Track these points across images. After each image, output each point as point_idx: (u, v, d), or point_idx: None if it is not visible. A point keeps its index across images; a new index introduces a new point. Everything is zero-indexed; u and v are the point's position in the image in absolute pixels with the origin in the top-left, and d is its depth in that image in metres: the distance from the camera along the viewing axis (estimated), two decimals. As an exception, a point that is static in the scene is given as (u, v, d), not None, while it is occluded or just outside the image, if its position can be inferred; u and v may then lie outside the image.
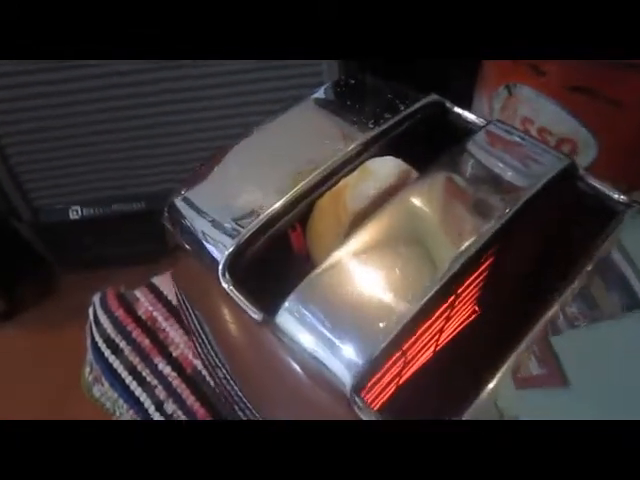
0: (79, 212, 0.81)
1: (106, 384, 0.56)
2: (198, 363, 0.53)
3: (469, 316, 0.38)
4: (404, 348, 0.30)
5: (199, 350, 0.46)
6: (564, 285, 0.32)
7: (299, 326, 0.29)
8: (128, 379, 0.55)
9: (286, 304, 0.30)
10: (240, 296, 0.32)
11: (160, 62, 0.72)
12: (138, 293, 0.60)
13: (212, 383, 0.51)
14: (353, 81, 0.43)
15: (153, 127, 0.78)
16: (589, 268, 0.32)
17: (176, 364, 0.54)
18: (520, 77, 0.56)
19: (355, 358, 0.28)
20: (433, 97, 0.41)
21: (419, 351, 0.33)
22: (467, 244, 0.31)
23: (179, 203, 0.36)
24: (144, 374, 0.54)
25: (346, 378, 0.28)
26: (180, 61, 0.72)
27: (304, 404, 0.33)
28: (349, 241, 0.31)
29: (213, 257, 0.33)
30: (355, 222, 0.33)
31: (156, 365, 0.54)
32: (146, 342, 0.55)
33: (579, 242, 0.34)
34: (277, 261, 0.35)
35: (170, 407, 0.52)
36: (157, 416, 0.52)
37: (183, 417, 0.52)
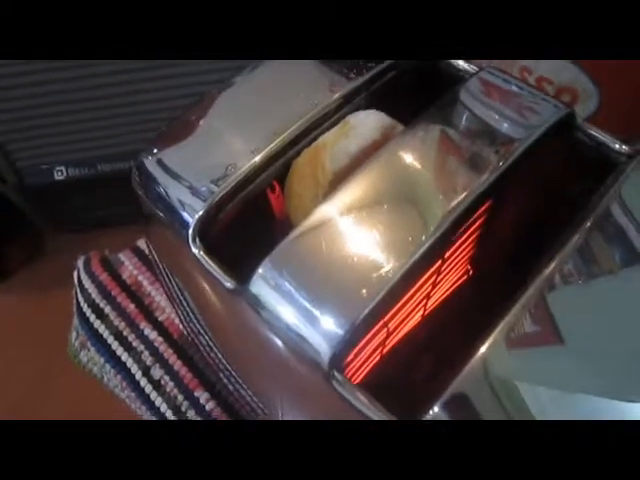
0: (64, 172, 0.79)
1: (92, 349, 0.55)
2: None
3: (460, 278, 0.36)
4: (388, 316, 0.28)
5: (181, 317, 0.44)
6: (561, 242, 0.30)
7: (274, 294, 0.27)
8: (114, 344, 0.53)
9: (259, 271, 0.28)
10: (212, 263, 0.30)
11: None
12: (122, 256, 0.58)
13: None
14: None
15: (135, 83, 0.75)
16: (588, 224, 0.30)
17: (162, 329, 0.53)
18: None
19: (334, 328, 0.26)
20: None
21: (405, 318, 0.31)
22: (458, 200, 0.29)
23: (148, 163, 0.33)
24: (130, 339, 0.53)
25: (324, 351, 0.26)
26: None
27: (287, 375, 0.31)
28: (328, 202, 0.29)
29: (184, 221, 0.31)
30: (335, 182, 0.31)
31: (142, 330, 0.53)
32: (131, 307, 0.54)
33: (578, 196, 0.32)
34: (257, 226, 0.33)
35: (157, 372, 0.52)
36: (144, 381, 0.52)
37: (170, 382, 0.51)
